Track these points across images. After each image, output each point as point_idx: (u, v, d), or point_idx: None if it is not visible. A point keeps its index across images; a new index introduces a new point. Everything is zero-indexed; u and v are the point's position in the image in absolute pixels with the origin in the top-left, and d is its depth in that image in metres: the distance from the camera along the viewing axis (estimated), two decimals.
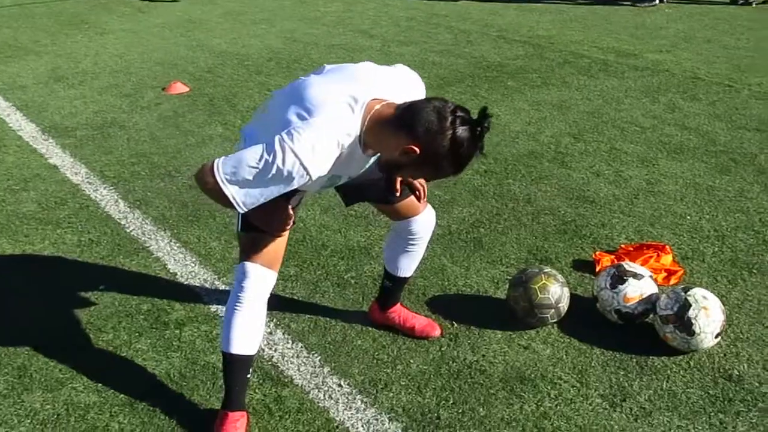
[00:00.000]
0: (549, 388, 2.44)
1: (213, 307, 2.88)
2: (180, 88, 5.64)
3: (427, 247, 2.61)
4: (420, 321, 2.71)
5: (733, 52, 6.69)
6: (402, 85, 2.09)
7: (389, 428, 2.27)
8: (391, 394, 2.41)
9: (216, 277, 3.10)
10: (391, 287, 2.67)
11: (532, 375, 2.49)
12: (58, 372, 2.52)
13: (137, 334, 2.73)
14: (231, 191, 1.84)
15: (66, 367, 2.54)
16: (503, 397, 2.40)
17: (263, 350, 2.60)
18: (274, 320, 2.78)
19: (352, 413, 2.33)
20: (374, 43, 7.08)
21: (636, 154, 4.34)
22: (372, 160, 2.07)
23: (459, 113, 1.82)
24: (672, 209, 3.66)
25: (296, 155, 1.78)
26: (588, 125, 4.83)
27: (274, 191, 1.86)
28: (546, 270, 2.74)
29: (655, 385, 2.44)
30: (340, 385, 2.46)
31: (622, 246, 3.25)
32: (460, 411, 2.34)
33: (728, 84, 5.68)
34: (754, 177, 4.02)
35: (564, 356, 2.59)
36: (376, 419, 2.31)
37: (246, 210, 1.90)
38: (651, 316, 2.66)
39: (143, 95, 5.53)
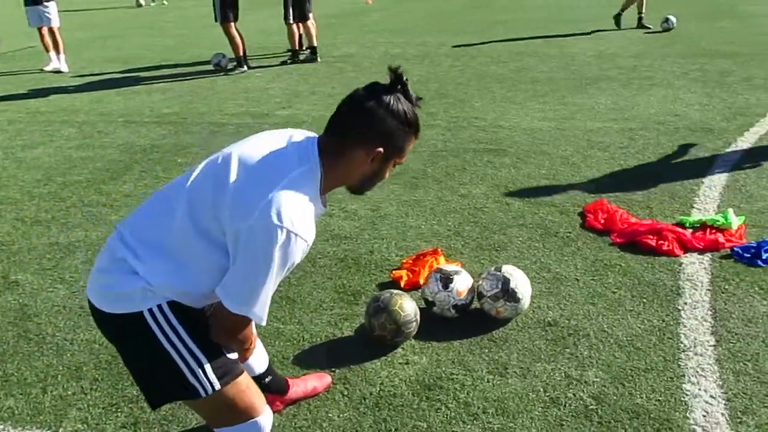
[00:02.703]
0: (450, 384, 2.77)
1: None
2: None
3: None
4: (313, 380, 2.74)
5: (335, 99, 7.82)
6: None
7: None
8: None
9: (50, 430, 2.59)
10: (271, 378, 2.59)
11: (431, 381, 2.79)
12: None
13: None
14: (256, 311, 1.76)
15: None
16: (426, 406, 2.65)
17: None
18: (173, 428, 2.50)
19: None
20: None
21: (342, 191, 4.89)
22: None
23: (383, 96, 1.82)
24: (407, 224, 4.31)
25: (292, 231, 1.71)
26: None
27: (279, 277, 1.78)
28: (394, 291, 3.05)
29: (514, 349, 2.98)
30: None
31: (405, 261, 3.75)
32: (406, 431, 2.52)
33: None
34: (437, 186, 4.95)
35: (438, 357, 2.95)
36: None
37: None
38: (478, 301, 3.20)
39: None
